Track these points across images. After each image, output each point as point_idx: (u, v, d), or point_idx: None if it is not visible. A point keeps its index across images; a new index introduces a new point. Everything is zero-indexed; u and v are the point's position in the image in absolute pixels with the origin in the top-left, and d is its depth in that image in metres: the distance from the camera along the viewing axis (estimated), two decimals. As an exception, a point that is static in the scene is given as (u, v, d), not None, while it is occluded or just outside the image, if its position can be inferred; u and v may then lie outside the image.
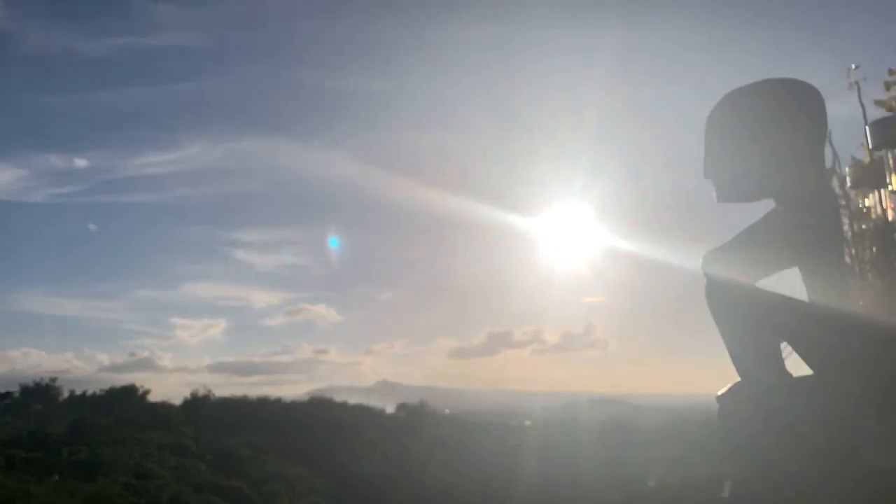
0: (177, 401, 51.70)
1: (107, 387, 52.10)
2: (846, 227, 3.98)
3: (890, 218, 3.99)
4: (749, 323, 3.67)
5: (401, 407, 57.71)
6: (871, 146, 4.07)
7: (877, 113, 4.23)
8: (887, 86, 4.44)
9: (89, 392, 51.53)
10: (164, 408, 49.94)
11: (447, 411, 60.85)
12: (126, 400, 49.26)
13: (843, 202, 4.03)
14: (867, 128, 4.07)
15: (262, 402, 53.13)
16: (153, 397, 51.85)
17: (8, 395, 49.05)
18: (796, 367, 3.66)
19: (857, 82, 4.13)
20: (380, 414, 55.85)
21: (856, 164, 4.20)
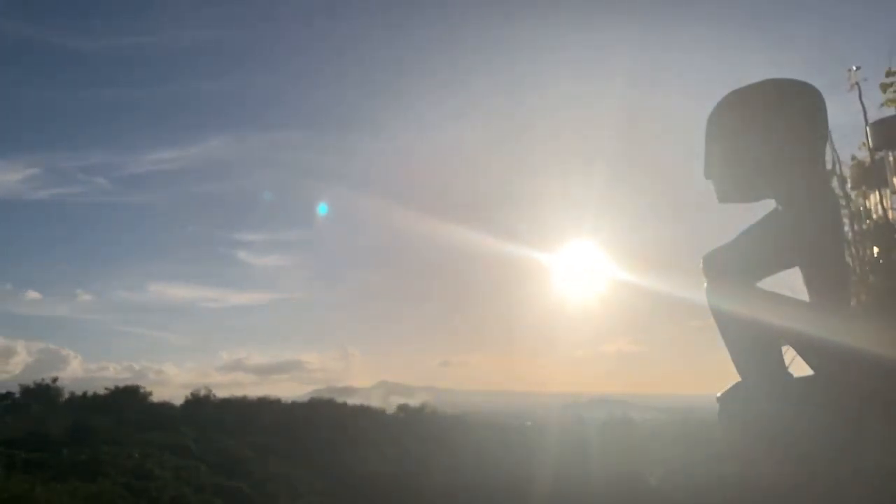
0: (177, 401, 51.79)
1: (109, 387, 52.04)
2: (847, 228, 3.96)
3: (890, 218, 3.98)
4: (749, 323, 3.65)
5: (401, 407, 57.71)
6: (871, 146, 4.06)
7: (878, 113, 4.22)
8: (883, 87, 4.42)
9: (90, 393, 51.50)
10: (164, 408, 49.98)
11: (448, 412, 60.81)
12: (127, 401, 49.21)
13: (844, 202, 4.01)
14: (868, 128, 4.05)
15: (263, 403, 53.16)
16: (153, 398, 51.86)
17: (8, 395, 49.01)
18: (796, 367, 3.65)
19: (857, 83, 4.11)
20: (380, 414, 55.85)
21: (856, 164, 4.18)
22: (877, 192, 4.07)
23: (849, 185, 4.14)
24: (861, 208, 4.12)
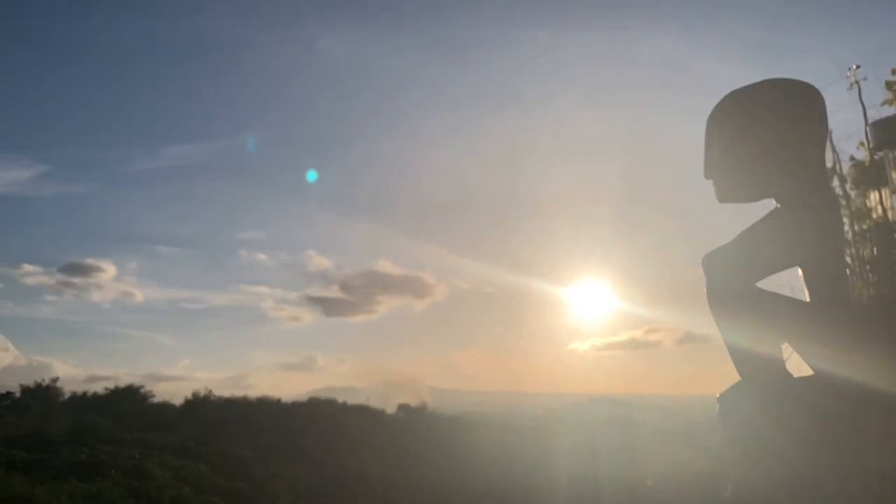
0: (177, 401, 51.77)
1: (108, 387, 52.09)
2: (846, 227, 3.96)
3: (890, 218, 3.98)
4: (749, 324, 3.65)
5: (401, 407, 57.65)
6: (871, 146, 4.06)
7: (878, 113, 4.22)
8: (889, 84, 4.42)
9: (90, 392, 51.53)
10: (164, 408, 49.94)
11: (448, 412, 60.75)
12: (127, 400, 49.23)
13: (844, 202, 4.02)
14: (867, 128, 4.05)
15: (263, 403, 53.08)
16: (154, 398, 51.88)
17: (8, 395, 49.02)
18: (796, 367, 3.66)
19: (857, 82, 4.11)
20: (380, 414, 55.79)
21: (856, 164, 4.19)
22: (877, 192, 4.07)
23: (849, 185, 4.15)
24: (861, 208, 4.13)
